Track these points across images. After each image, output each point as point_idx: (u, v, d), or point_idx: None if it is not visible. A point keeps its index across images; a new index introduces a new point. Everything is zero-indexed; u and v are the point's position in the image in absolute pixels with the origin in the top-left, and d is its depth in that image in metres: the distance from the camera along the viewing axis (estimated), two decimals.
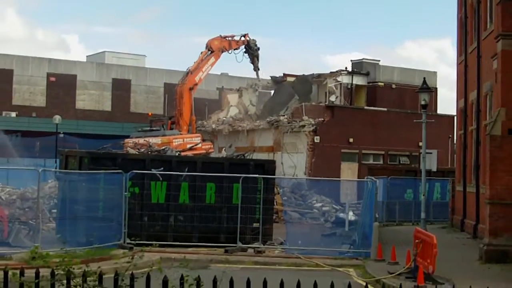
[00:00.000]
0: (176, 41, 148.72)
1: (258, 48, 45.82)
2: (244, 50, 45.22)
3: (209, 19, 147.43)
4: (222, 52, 43.45)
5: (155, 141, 35.27)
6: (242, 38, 44.73)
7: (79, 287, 7.24)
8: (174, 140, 36.57)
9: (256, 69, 46.43)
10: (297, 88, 55.39)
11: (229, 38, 43.94)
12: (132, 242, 22.48)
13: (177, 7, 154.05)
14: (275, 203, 30.09)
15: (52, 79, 66.04)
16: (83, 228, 23.10)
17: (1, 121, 56.41)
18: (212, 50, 42.65)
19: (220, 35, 43.52)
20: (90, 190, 23.67)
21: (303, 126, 45.82)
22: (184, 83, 41.46)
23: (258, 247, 23.71)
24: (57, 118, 51.25)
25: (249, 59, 45.79)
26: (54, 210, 28.07)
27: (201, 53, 42.80)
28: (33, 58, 66.96)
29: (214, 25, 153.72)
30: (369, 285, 15.86)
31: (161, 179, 24.43)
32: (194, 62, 42.29)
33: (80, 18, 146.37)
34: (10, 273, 7.40)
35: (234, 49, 44.35)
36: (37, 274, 7.39)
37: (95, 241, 21.90)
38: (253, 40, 45.21)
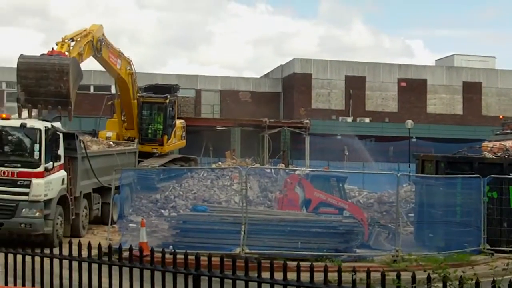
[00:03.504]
0: None
1: None
2: None
3: None
4: None
5: None
6: None
7: None
8: None
9: None
10: None
11: None
12: (492, 248, 22.30)
13: None
14: None
15: (403, 84, 66.97)
16: (441, 233, 23.21)
17: (355, 127, 58.30)
18: None
19: None
20: (447, 194, 23.72)
21: None
22: None
23: None
24: (409, 123, 51.77)
25: None
26: (411, 214, 28.52)
27: None
28: (383, 65, 68.44)
29: None
30: None
31: None
32: None
33: (423, 23, 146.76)
34: (388, 277, 7.66)
35: None
36: (413, 278, 7.53)
37: (453, 245, 21.96)
38: None
